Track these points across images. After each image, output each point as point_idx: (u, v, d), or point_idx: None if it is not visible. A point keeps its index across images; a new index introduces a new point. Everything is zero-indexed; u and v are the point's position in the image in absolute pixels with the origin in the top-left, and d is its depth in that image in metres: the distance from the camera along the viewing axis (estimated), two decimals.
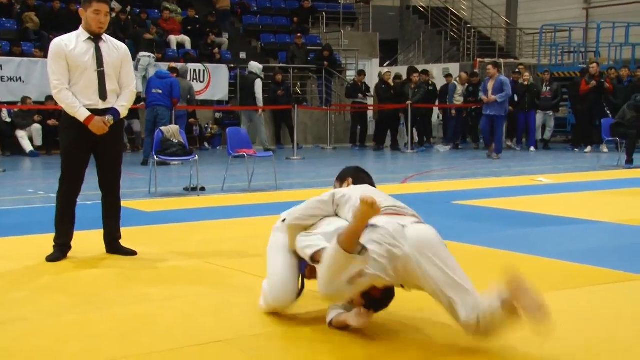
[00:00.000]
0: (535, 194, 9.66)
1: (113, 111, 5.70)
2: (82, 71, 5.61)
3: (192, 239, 6.68)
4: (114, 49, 5.78)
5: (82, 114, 5.57)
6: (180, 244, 6.40)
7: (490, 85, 15.31)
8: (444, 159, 16.01)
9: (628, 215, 7.80)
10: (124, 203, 6.27)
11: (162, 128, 10.38)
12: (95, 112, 5.63)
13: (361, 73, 19.06)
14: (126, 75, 5.82)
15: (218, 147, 17.94)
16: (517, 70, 18.79)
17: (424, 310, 4.11)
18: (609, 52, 21.12)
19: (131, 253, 5.86)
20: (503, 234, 6.82)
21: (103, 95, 5.67)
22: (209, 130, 18.24)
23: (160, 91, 13.41)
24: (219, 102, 18.75)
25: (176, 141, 10.16)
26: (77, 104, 5.58)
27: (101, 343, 3.80)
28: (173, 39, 18.97)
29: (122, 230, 6.01)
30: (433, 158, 16.28)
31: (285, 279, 4.02)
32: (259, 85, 16.21)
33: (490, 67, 15.72)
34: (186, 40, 19.17)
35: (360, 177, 4.39)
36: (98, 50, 5.65)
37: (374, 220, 3.58)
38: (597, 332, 3.94)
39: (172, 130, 10.31)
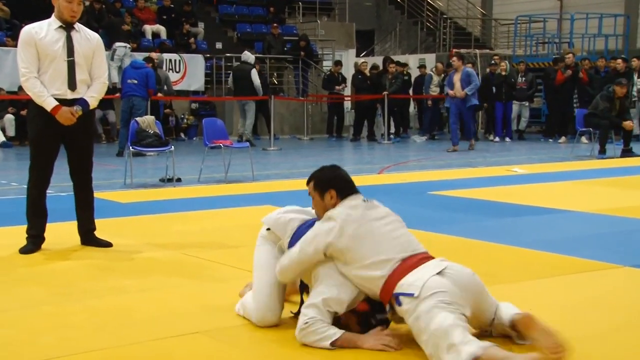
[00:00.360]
0: (511, 184, 9.72)
1: (82, 102, 5.60)
2: (52, 60, 5.50)
3: (168, 230, 6.65)
4: (86, 38, 5.67)
5: (49, 104, 5.48)
6: (157, 235, 6.38)
7: (456, 78, 14.83)
8: (420, 149, 16.06)
9: (602, 204, 7.88)
10: (99, 194, 6.25)
11: (138, 119, 10.33)
12: (63, 102, 5.54)
13: (338, 64, 19.04)
14: (98, 66, 5.72)
15: (194, 138, 17.88)
16: (493, 61, 18.83)
17: None
18: (582, 43, 21.32)
19: (107, 244, 5.82)
20: (479, 224, 6.86)
21: (72, 85, 5.57)
22: (185, 120, 18.17)
23: (136, 81, 13.31)
24: (195, 93, 18.67)
25: (152, 132, 10.11)
26: (45, 93, 5.48)
27: (77, 334, 3.78)
28: (148, 28, 18.85)
29: (98, 221, 5.97)
30: (409, 149, 16.32)
31: (272, 300, 3.80)
32: (255, 74, 16.14)
33: (455, 59, 15.23)
34: (161, 29, 19.05)
35: (344, 187, 3.79)
36: (69, 40, 5.55)
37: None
38: (574, 321, 3.98)
39: (147, 121, 10.26)
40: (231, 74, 16.94)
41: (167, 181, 9.93)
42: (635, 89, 17.14)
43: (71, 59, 5.54)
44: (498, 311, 3.55)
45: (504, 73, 17.58)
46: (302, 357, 3.48)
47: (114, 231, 6.24)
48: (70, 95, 5.57)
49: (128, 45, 16.85)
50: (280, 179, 10.52)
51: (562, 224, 6.94)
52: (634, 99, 17.04)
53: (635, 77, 17.13)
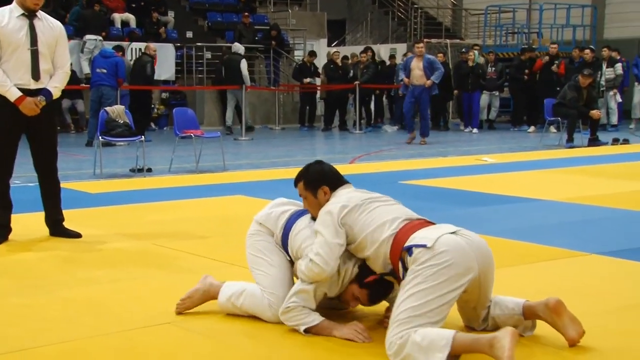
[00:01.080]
0: (481, 173, 9.82)
1: (45, 92, 5.52)
2: (15, 49, 5.40)
3: (139, 220, 6.64)
4: (49, 27, 5.57)
5: (12, 94, 5.38)
6: (127, 225, 6.36)
7: (415, 64, 13.96)
8: (391, 139, 16.13)
9: (570, 193, 7.98)
10: (68, 185, 6.22)
11: (107, 108, 10.29)
12: (26, 92, 5.44)
13: (312, 54, 18.97)
14: (61, 55, 5.63)
15: (165, 128, 17.79)
16: (463, 50, 18.91)
17: None
18: (550, 33, 21.53)
19: (76, 235, 5.78)
20: (449, 213, 6.88)
21: (36, 75, 5.48)
22: (156, 110, 18.07)
23: (105, 70, 13.21)
24: (166, 82, 18.56)
25: (121, 121, 10.07)
26: (8, 82, 5.38)
27: (48, 326, 3.76)
28: (117, 17, 18.68)
29: (67, 212, 5.93)
30: (380, 138, 16.36)
31: (287, 292, 3.70)
32: (244, 64, 16.43)
33: (421, 44, 14.53)
34: (130, 18, 18.88)
35: (335, 181, 3.76)
36: (32, 28, 5.44)
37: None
38: None
39: (117, 111, 10.22)
40: (222, 64, 17.16)
41: (138, 171, 9.89)
42: (604, 78, 17.34)
43: (35, 48, 5.44)
44: (495, 304, 3.57)
45: (471, 63, 17.61)
46: (273, 345, 3.52)
47: (83, 222, 6.21)
48: (33, 85, 5.48)
49: (99, 38, 16.69)
50: (252, 169, 10.54)
51: (530, 213, 7.02)
52: (602, 89, 17.24)
53: (604, 67, 17.33)
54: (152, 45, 15.62)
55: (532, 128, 16.93)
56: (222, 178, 9.42)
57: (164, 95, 18.37)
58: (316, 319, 3.58)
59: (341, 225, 3.53)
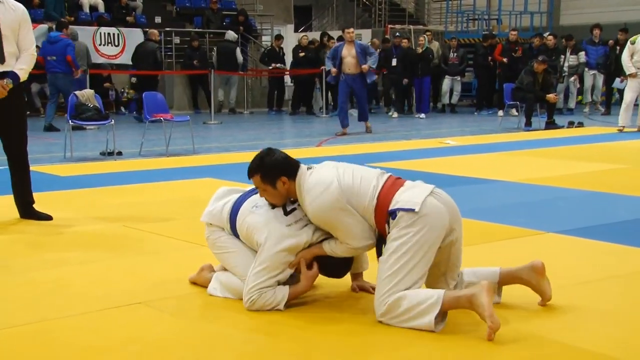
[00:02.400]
0: (444, 155, 9.97)
1: (12, 75, 5.47)
2: None
3: (109, 203, 6.64)
4: (11, 9, 5.50)
5: None
6: (97, 208, 6.35)
7: (347, 52, 12.92)
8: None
9: (528, 174, 8.14)
10: (38, 168, 6.20)
11: (77, 92, 10.30)
12: None
13: (279, 37, 19.07)
14: (25, 38, 5.55)
15: (134, 112, 17.79)
16: (397, 34, 18.56)
17: None
18: (509, 20, 21.85)
19: (46, 218, 5.76)
20: None
21: (1, 58, 5.42)
22: (125, 94, 18.06)
23: (55, 57, 12.96)
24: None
25: (91, 105, 10.11)
26: None
27: (16, 307, 3.79)
28: (85, 1, 18.60)
29: (37, 195, 5.90)
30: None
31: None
32: (239, 52, 17.35)
33: (352, 30, 13.32)
34: (99, 3, 18.80)
35: (290, 168, 3.71)
36: None
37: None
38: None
39: (86, 95, 10.25)
40: (215, 50, 17.93)
41: (108, 155, 9.94)
42: (567, 64, 17.66)
43: None
44: (470, 273, 3.81)
45: (420, 50, 17.46)
46: (245, 322, 3.57)
47: (53, 204, 6.21)
48: (0, 68, 5.44)
49: (48, 25, 16.34)
50: (221, 152, 10.61)
51: (490, 193, 7.16)
52: (564, 74, 17.56)
53: (568, 53, 17.65)
54: (155, 30, 16.03)
55: (500, 112, 16.99)
56: (192, 161, 9.49)
57: (133, 79, 18.35)
58: (285, 292, 3.67)
59: (348, 205, 3.56)
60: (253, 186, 3.85)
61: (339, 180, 3.59)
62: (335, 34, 20.28)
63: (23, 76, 5.58)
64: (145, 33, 18.33)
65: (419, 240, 3.43)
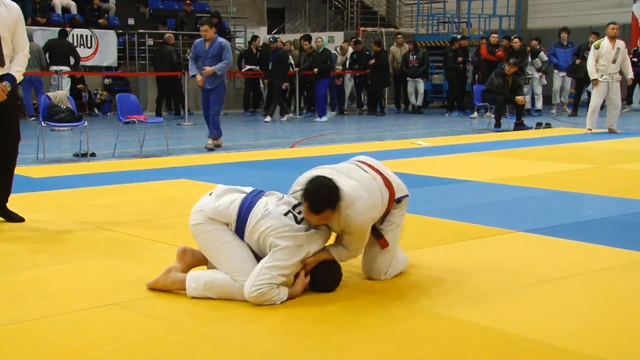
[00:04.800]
0: (415, 156, 10.03)
1: (9, 77, 5.37)
2: None
3: (83, 204, 6.61)
4: (7, 10, 5.37)
5: None
6: (71, 209, 6.32)
7: (207, 50, 11.02)
8: (330, 124, 16.36)
9: (497, 174, 8.24)
10: None
11: (49, 94, 10.25)
12: None
13: (255, 38, 19.04)
14: (20, 38, 5.44)
15: (108, 114, 17.76)
16: (270, 39, 17.87)
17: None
18: (479, 23, 22.11)
19: (19, 219, 5.67)
20: None
21: (1, 61, 5.32)
22: (99, 96, 18.03)
23: None
24: (108, 68, 18.51)
25: (64, 107, 10.06)
26: None
27: None
28: (58, 2, 18.52)
29: (10, 196, 5.80)
30: (320, 123, 16.54)
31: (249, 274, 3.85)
32: (174, 53, 17.27)
33: (206, 26, 11.02)
34: (71, 4, 18.75)
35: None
36: None
37: None
38: (471, 283, 4.22)
39: (59, 96, 10.20)
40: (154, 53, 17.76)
41: (81, 156, 9.90)
42: (531, 67, 17.85)
43: None
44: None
45: (317, 50, 17.15)
46: (222, 321, 3.60)
47: (27, 206, 6.17)
48: None
49: None
50: (195, 154, 10.62)
51: (461, 193, 7.22)
52: (529, 76, 17.76)
53: (529, 58, 17.83)
54: (170, 35, 17.07)
55: (475, 114, 17.07)
56: (166, 162, 9.48)
57: (106, 81, 18.33)
58: (285, 292, 3.82)
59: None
60: (244, 187, 4.06)
61: (369, 194, 4.02)
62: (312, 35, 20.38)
63: (19, 78, 5.49)
64: (118, 35, 18.37)
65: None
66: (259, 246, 3.86)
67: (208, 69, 10.87)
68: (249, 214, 3.86)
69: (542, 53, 17.81)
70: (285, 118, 17.11)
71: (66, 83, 15.75)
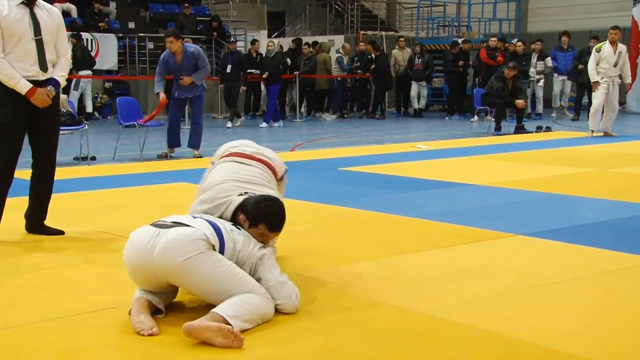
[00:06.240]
0: (415, 159, 10.03)
1: (53, 82, 5.28)
2: (19, 39, 5.12)
3: (83, 207, 6.60)
4: (49, 14, 5.29)
5: (23, 86, 5.12)
6: (71, 212, 6.31)
7: (178, 58, 10.22)
8: (330, 127, 16.37)
9: (497, 178, 8.24)
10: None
11: None
12: (35, 84, 5.19)
13: (255, 42, 19.06)
14: (62, 43, 5.38)
15: (108, 117, 17.78)
16: (232, 40, 17.80)
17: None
18: (479, 27, 22.15)
19: (58, 233, 5.52)
20: (385, 198, 7.10)
21: (43, 65, 5.23)
22: (99, 99, 18.06)
23: None
24: (109, 72, 18.54)
25: (64, 110, 10.09)
26: (17, 75, 5.11)
27: (4, 306, 3.81)
28: (58, 6, 18.50)
29: (10, 200, 5.66)
30: (320, 127, 16.55)
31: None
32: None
33: (172, 38, 10.20)
34: (72, 8, 18.76)
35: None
36: (34, 17, 5.18)
37: None
38: (471, 287, 4.23)
39: (60, 100, 10.24)
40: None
41: (82, 159, 9.93)
42: (533, 70, 17.89)
43: (39, 37, 5.19)
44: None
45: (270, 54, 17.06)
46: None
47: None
48: (42, 76, 5.24)
49: None
50: (195, 157, 10.65)
51: (461, 197, 7.23)
52: (530, 79, 17.78)
53: (535, 59, 17.88)
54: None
55: (475, 118, 17.05)
56: (166, 166, 9.49)
57: (107, 84, 18.36)
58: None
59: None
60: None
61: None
62: (309, 39, 20.46)
63: (63, 83, 5.40)
64: (119, 39, 18.41)
65: None
66: (240, 261, 3.72)
67: (186, 78, 10.16)
68: (222, 235, 3.68)
69: (548, 58, 17.82)
70: (238, 123, 16.54)
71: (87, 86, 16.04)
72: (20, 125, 5.28)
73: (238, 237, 3.75)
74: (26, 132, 5.34)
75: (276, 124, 16.36)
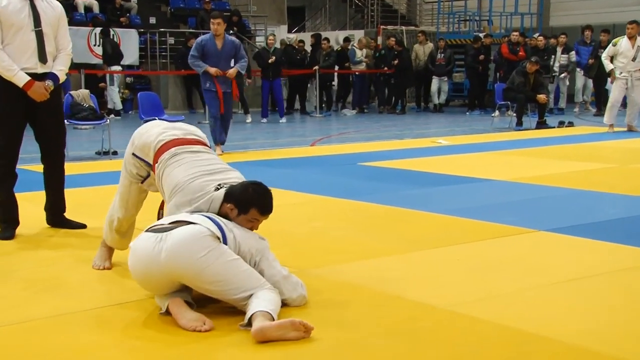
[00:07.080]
0: (435, 155, 10.03)
1: (52, 76, 5.27)
2: (17, 30, 5.10)
3: (103, 202, 6.42)
4: (50, 7, 5.28)
5: (20, 78, 5.10)
6: (92, 207, 6.34)
7: (219, 43, 9.91)
8: (350, 122, 16.34)
9: (518, 173, 8.21)
10: (32, 167, 5.95)
11: (72, 92, 10.37)
12: (34, 76, 5.18)
13: (270, 36, 19.03)
14: (63, 37, 5.35)
15: (130, 112, 17.87)
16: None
17: None
18: (500, 21, 22.01)
19: (80, 226, 5.56)
20: (405, 193, 7.10)
21: (43, 57, 5.21)
22: (122, 94, 18.15)
23: None
24: (130, 67, 18.63)
25: (87, 105, 10.18)
26: (15, 67, 5.08)
27: (11, 304, 3.83)
28: (80, 2, 18.69)
29: (31, 194, 5.70)
30: (340, 122, 16.54)
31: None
32: None
33: (220, 19, 9.87)
34: (94, 3, 18.91)
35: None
36: (34, 8, 5.17)
37: None
38: (490, 283, 4.22)
39: (82, 95, 10.32)
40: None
41: (103, 154, 10.01)
42: (557, 64, 17.78)
43: (39, 29, 5.16)
44: None
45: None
46: (239, 319, 3.50)
47: None
48: (41, 69, 5.22)
49: None
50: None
51: (482, 192, 7.21)
52: (554, 74, 17.67)
53: (559, 53, 17.78)
54: (192, 38, 16.53)
55: (496, 113, 16.97)
56: None
57: (128, 79, 18.46)
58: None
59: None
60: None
61: None
62: (329, 34, 20.45)
63: (62, 77, 5.38)
64: (140, 34, 18.49)
65: None
66: (241, 252, 3.68)
67: (232, 70, 9.89)
68: (223, 229, 3.64)
69: (573, 52, 17.71)
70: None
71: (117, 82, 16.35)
72: (17, 118, 5.24)
73: (234, 228, 3.70)
74: (24, 125, 5.31)
75: (264, 120, 16.16)
